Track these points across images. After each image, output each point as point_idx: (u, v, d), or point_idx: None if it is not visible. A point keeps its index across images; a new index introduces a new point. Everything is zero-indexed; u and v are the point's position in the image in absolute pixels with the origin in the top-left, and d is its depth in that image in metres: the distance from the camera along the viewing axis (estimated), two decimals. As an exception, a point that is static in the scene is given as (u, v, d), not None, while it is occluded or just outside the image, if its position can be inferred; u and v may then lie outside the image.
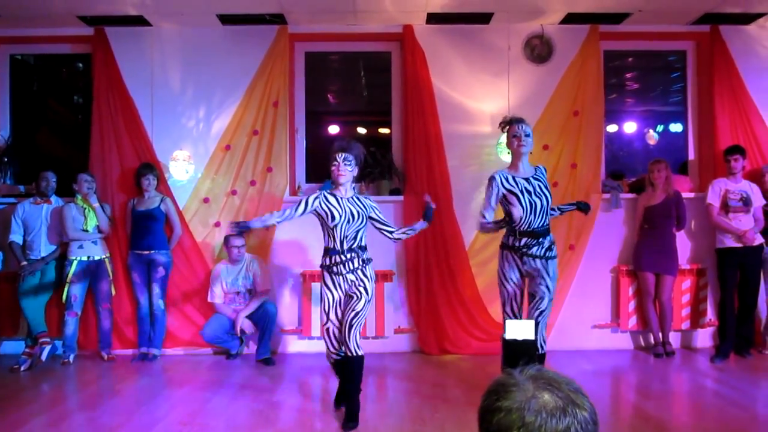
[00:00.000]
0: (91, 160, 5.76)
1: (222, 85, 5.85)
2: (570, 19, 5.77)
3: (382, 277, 5.78)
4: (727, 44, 5.84)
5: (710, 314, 5.85)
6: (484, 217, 4.20)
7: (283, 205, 5.78)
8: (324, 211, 3.93)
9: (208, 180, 5.83)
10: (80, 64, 6.47)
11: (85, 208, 5.49)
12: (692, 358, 5.61)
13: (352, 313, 3.92)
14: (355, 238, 3.96)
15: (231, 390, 4.71)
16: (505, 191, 4.09)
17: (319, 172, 6.20)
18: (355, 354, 3.90)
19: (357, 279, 3.97)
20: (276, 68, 5.81)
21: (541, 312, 4.14)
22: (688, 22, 5.89)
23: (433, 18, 5.75)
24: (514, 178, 4.10)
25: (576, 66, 5.84)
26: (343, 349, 3.96)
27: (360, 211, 3.98)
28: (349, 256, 3.95)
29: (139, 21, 5.71)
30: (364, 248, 4.01)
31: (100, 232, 5.54)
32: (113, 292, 5.62)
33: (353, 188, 4.06)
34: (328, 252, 3.99)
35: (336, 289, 3.98)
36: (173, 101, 5.88)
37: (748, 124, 5.85)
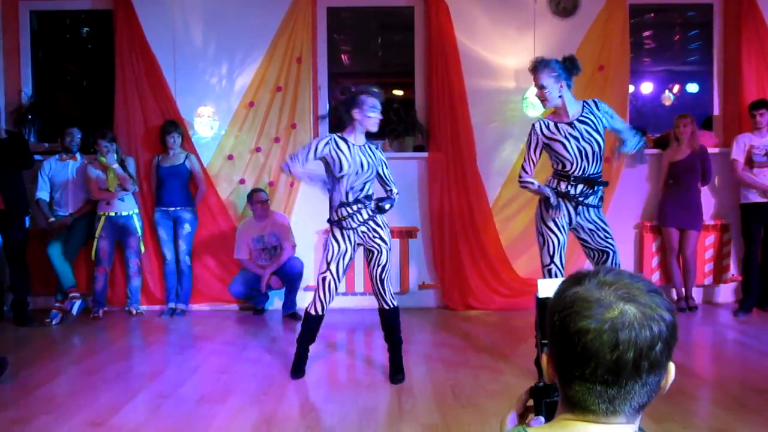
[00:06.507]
0: (115, 118, 5.75)
1: (244, 42, 5.81)
2: (596, -29, 5.68)
3: (407, 233, 5.81)
4: (755, -4, 5.76)
5: (733, 269, 5.88)
6: (524, 170, 3.78)
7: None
8: (332, 158, 3.69)
9: (231, 137, 5.83)
10: (85, 29, 6.47)
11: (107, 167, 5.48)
12: (715, 312, 5.66)
13: (379, 269, 3.81)
14: (362, 189, 3.76)
15: (262, 343, 4.78)
16: (545, 140, 3.72)
17: (341, 130, 6.17)
18: (391, 305, 3.84)
19: (369, 230, 3.80)
20: (298, 24, 5.75)
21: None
22: (715, -26, 5.81)
23: (458, -29, 5.67)
24: (556, 124, 3.71)
25: (601, 20, 5.77)
26: (379, 302, 3.85)
27: (370, 162, 3.76)
28: (356, 207, 3.74)
29: (161, -25, 5.65)
30: (370, 198, 3.81)
31: (124, 190, 5.53)
32: (142, 249, 5.66)
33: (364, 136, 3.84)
34: (333, 205, 3.79)
35: (344, 242, 3.77)
36: (195, 58, 5.84)
37: (775, 78, 5.80)
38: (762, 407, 3.36)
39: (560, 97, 3.68)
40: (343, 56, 7.38)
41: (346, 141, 3.73)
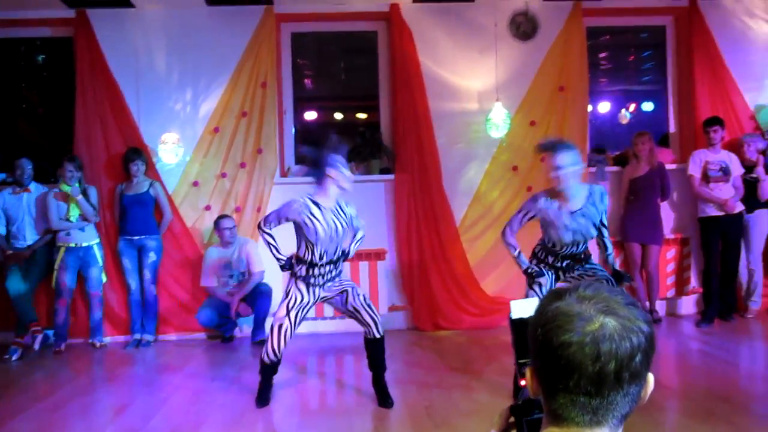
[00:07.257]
0: (76, 146, 5.65)
1: (209, 67, 5.78)
2: (553, -5, 5.85)
3: (375, 255, 5.81)
4: (705, 18, 5.98)
5: (693, 282, 6.03)
6: (510, 229, 3.70)
7: (273, 188, 5.79)
8: (306, 224, 3.51)
9: (196, 163, 5.77)
10: (40, 57, 6.36)
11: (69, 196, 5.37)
12: (678, 324, 5.78)
13: (361, 297, 3.76)
14: (335, 251, 3.65)
15: (232, 371, 4.70)
16: (545, 217, 3.65)
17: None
18: (381, 335, 3.79)
19: (334, 284, 3.74)
20: (263, 49, 5.76)
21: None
22: (667, -3, 6.03)
23: (419, -4, 5.77)
24: (560, 208, 3.60)
25: (560, 42, 5.93)
26: (368, 330, 3.77)
27: (344, 225, 3.62)
28: (328, 268, 3.65)
29: (122, 2, 5.60)
30: (345, 254, 3.73)
31: (85, 220, 5.42)
32: (104, 279, 5.53)
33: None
34: (303, 263, 3.62)
35: (309, 294, 3.65)
36: (159, 84, 5.79)
37: (726, 95, 6.01)
38: (728, 415, 3.43)
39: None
40: (306, 80, 7.39)
41: (318, 205, 3.54)
